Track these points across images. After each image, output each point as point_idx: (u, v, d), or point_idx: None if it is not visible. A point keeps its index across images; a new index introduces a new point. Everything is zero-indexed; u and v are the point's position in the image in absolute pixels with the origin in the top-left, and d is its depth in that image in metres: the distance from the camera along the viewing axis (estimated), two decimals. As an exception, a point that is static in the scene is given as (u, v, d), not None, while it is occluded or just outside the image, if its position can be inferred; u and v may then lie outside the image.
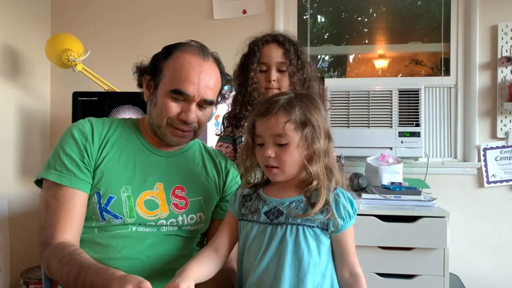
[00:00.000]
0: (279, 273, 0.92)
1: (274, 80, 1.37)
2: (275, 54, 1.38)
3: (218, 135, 1.55)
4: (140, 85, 1.17)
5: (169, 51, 1.10)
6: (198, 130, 1.14)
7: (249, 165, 1.03)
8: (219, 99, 1.19)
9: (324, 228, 0.95)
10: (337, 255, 0.98)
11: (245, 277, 0.99)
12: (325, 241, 0.96)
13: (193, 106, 1.08)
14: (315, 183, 0.95)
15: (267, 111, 0.95)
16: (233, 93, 1.46)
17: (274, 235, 0.95)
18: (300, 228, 0.94)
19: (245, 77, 1.41)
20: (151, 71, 1.12)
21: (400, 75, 2.64)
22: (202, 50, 1.10)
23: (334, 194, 0.96)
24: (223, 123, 1.52)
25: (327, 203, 0.94)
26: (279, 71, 1.38)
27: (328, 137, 0.99)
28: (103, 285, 0.83)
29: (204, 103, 1.10)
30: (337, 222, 0.94)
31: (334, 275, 0.98)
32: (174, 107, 1.07)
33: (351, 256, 0.98)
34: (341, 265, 0.98)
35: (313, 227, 0.94)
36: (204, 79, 1.07)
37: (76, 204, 1.02)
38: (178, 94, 1.06)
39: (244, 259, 1.00)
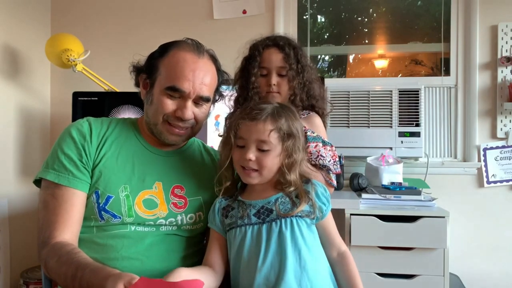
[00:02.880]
0: (283, 267, 0.95)
1: (274, 85, 1.38)
2: (275, 59, 1.38)
3: (220, 136, 1.56)
4: (137, 84, 1.18)
5: (164, 49, 1.11)
6: (195, 127, 1.14)
7: (228, 164, 1.05)
8: (217, 97, 1.19)
9: (311, 217, 1.02)
10: (324, 238, 1.06)
11: (247, 280, 0.99)
12: (314, 228, 1.03)
13: (189, 103, 1.08)
14: (292, 189, 1.02)
15: (256, 116, 0.99)
16: (232, 92, 1.46)
17: (271, 232, 0.98)
18: (294, 219, 0.99)
19: (246, 81, 1.42)
20: (147, 70, 1.12)
21: (400, 75, 2.64)
22: (197, 47, 1.11)
23: (310, 184, 1.05)
24: (225, 124, 1.54)
25: (308, 193, 1.02)
26: (279, 75, 1.39)
27: (304, 148, 1.07)
28: (99, 284, 0.83)
29: (200, 100, 1.10)
30: (321, 208, 1.03)
31: (325, 257, 1.05)
32: (170, 104, 1.08)
33: (336, 237, 1.07)
34: (329, 247, 1.06)
35: (303, 217, 1.01)
36: (199, 76, 1.08)
37: (75, 203, 1.02)
38: (174, 91, 1.06)
39: (243, 263, 1.00)
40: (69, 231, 1.01)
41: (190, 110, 1.09)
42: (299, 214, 1.00)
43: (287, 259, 0.96)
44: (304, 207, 1.00)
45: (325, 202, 1.05)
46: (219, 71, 1.16)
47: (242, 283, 1.00)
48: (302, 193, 1.02)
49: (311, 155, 1.37)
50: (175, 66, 1.07)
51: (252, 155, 0.99)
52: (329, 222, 1.06)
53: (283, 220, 0.99)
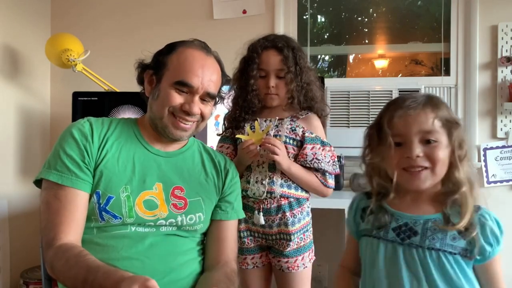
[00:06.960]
0: None
1: (273, 87, 1.38)
2: (273, 61, 1.38)
3: (219, 135, 1.56)
4: (140, 81, 1.18)
5: (172, 47, 1.12)
6: (201, 123, 1.14)
7: (380, 168, 0.91)
8: (217, 99, 1.20)
9: (466, 255, 0.84)
10: (483, 285, 0.87)
11: None
12: (469, 271, 0.85)
13: (197, 98, 1.10)
14: (464, 188, 0.85)
15: (411, 105, 0.86)
16: (231, 93, 1.46)
17: (410, 259, 0.85)
18: (442, 254, 0.83)
19: (245, 82, 1.42)
20: (154, 66, 1.13)
21: (400, 75, 2.64)
22: (204, 47, 1.13)
23: (478, 215, 0.85)
24: (224, 124, 1.53)
25: (470, 225, 0.83)
26: (278, 77, 1.39)
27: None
28: (113, 287, 0.83)
29: (207, 96, 1.11)
30: (484, 249, 0.83)
31: None
32: (178, 98, 1.09)
33: (500, 286, 0.87)
34: None
35: (454, 253, 0.83)
36: (208, 72, 1.09)
37: (78, 204, 1.02)
38: (182, 86, 1.08)
39: (369, 279, 0.90)
40: (73, 232, 1.01)
41: (197, 105, 1.10)
42: (451, 250, 0.82)
43: None
44: (464, 223, 0.82)
45: (493, 242, 0.83)
46: (223, 73, 1.18)
47: None
48: (465, 201, 0.84)
49: (306, 157, 1.36)
50: (184, 61, 1.08)
51: (418, 150, 0.84)
52: (495, 265, 0.85)
53: (427, 252, 0.83)
